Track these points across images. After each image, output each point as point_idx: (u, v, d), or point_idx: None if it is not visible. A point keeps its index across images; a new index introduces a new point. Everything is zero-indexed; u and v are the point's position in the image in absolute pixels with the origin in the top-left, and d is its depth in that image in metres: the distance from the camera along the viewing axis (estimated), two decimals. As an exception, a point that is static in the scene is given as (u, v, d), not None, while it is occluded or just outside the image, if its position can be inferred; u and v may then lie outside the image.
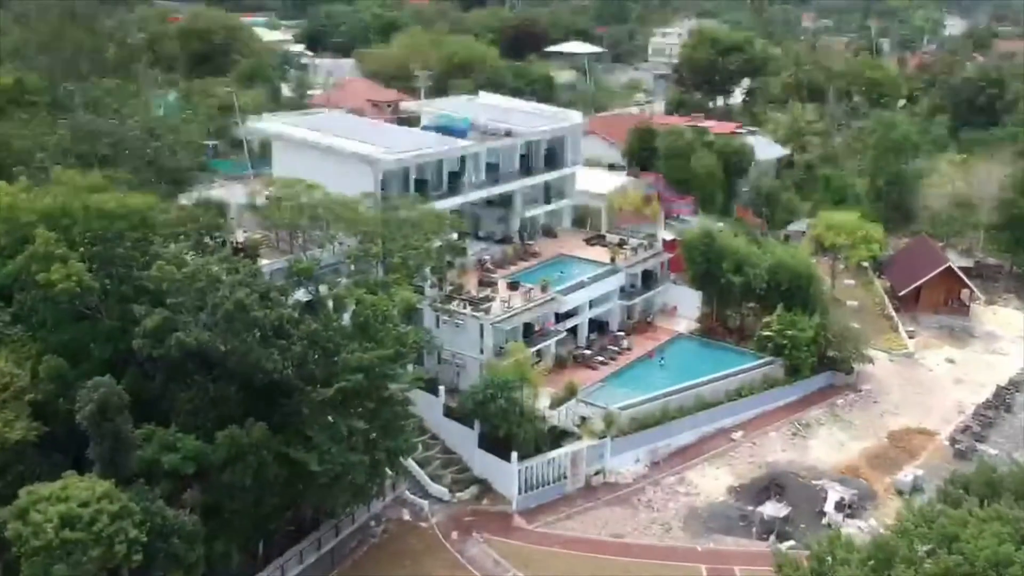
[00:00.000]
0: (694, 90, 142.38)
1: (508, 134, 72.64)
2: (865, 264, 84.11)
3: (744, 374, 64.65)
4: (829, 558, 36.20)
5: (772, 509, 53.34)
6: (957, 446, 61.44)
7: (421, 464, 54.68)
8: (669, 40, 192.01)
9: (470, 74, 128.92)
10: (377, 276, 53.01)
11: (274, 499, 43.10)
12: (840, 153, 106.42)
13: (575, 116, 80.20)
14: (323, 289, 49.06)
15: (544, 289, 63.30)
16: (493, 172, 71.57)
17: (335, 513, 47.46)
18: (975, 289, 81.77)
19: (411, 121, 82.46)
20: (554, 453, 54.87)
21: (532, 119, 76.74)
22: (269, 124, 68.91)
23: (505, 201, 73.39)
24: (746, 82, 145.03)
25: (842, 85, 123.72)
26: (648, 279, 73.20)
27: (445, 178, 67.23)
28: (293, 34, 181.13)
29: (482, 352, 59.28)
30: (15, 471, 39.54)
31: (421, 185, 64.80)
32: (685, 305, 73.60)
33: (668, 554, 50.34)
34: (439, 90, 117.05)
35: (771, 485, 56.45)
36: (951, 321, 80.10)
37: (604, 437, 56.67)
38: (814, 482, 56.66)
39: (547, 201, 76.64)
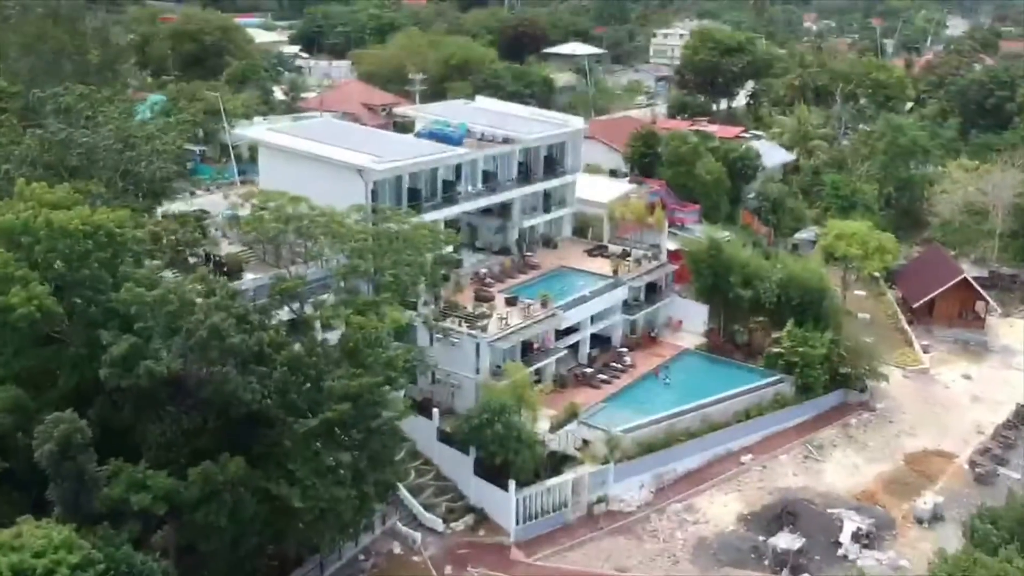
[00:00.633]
0: (696, 92, 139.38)
1: (506, 141, 69.58)
2: (876, 274, 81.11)
3: (753, 393, 61.65)
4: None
5: (785, 541, 50.28)
6: (977, 470, 58.48)
7: (414, 492, 51.69)
8: (670, 41, 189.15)
9: (468, 76, 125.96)
10: (367, 294, 50.01)
11: (254, 538, 40.05)
12: (848, 158, 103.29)
13: (575, 121, 77.11)
14: (309, 308, 46.24)
15: (544, 304, 60.28)
16: (490, 180, 68.50)
17: (321, 549, 44.39)
18: (991, 300, 78.79)
19: (406, 126, 79.61)
20: (554, 480, 51.91)
21: (531, 125, 73.62)
22: (255, 131, 65.85)
23: (503, 210, 70.31)
24: (749, 84, 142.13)
25: (848, 87, 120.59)
26: (652, 292, 70.18)
27: (440, 187, 64.16)
28: (288, 35, 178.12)
29: (478, 372, 56.30)
30: (-32, 513, 36.53)
31: (414, 195, 61.77)
32: (690, 319, 70.60)
33: (676, 589, 47.50)
34: (436, 93, 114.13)
35: (783, 513, 53.42)
36: (966, 334, 77.08)
37: (607, 463, 53.69)
38: (829, 510, 53.64)
39: (546, 210, 73.56)
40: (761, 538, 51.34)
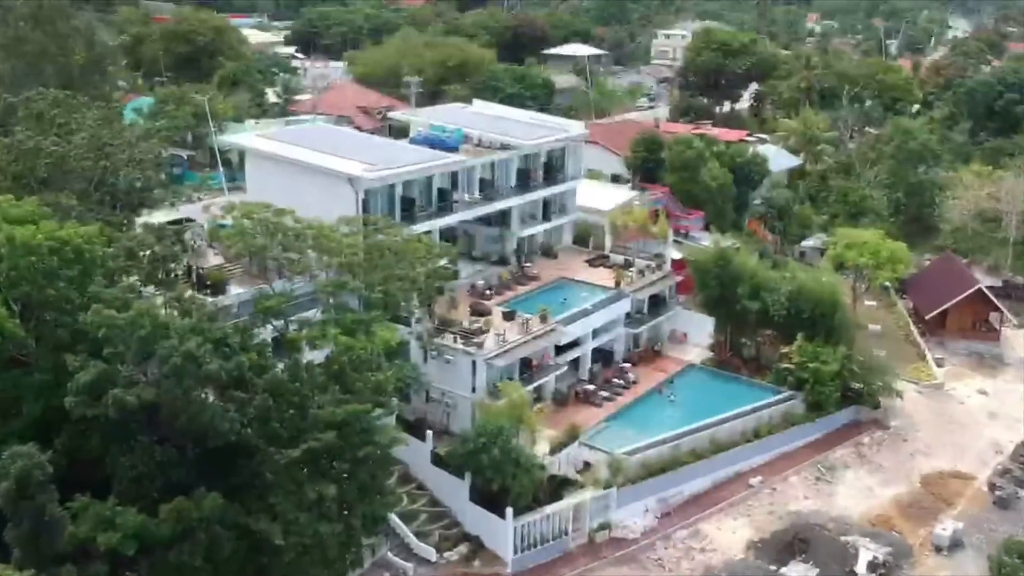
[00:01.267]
0: (699, 94, 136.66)
1: (504, 147, 66.83)
2: (887, 284, 78.44)
3: (762, 411, 59.00)
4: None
5: (798, 572, 47.70)
6: (997, 492, 55.90)
7: (406, 519, 48.91)
8: (672, 42, 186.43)
9: (466, 78, 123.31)
10: (358, 308, 47.35)
11: (232, 577, 37.43)
12: (855, 162, 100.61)
13: (576, 126, 74.31)
14: (295, 327, 43.64)
15: (543, 319, 57.59)
16: (487, 188, 65.75)
17: (306, 585, 41.67)
18: (1006, 311, 76.11)
19: (404, 129, 76.87)
20: (554, 507, 49.21)
21: (530, 130, 70.86)
22: (241, 137, 63.16)
23: (501, 219, 67.51)
24: (753, 86, 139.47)
25: (855, 89, 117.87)
26: (656, 304, 67.47)
27: (435, 196, 61.46)
28: (284, 36, 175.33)
29: (474, 390, 53.60)
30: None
31: (408, 204, 59.10)
32: (695, 331, 67.95)
33: (683, 625, 44.92)
34: (433, 95, 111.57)
35: (795, 540, 50.89)
36: (980, 347, 74.41)
37: (610, 487, 51.01)
38: (843, 537, 51.08)
39: (546, 218, 70.76)
40: (772, 567, 48.79)
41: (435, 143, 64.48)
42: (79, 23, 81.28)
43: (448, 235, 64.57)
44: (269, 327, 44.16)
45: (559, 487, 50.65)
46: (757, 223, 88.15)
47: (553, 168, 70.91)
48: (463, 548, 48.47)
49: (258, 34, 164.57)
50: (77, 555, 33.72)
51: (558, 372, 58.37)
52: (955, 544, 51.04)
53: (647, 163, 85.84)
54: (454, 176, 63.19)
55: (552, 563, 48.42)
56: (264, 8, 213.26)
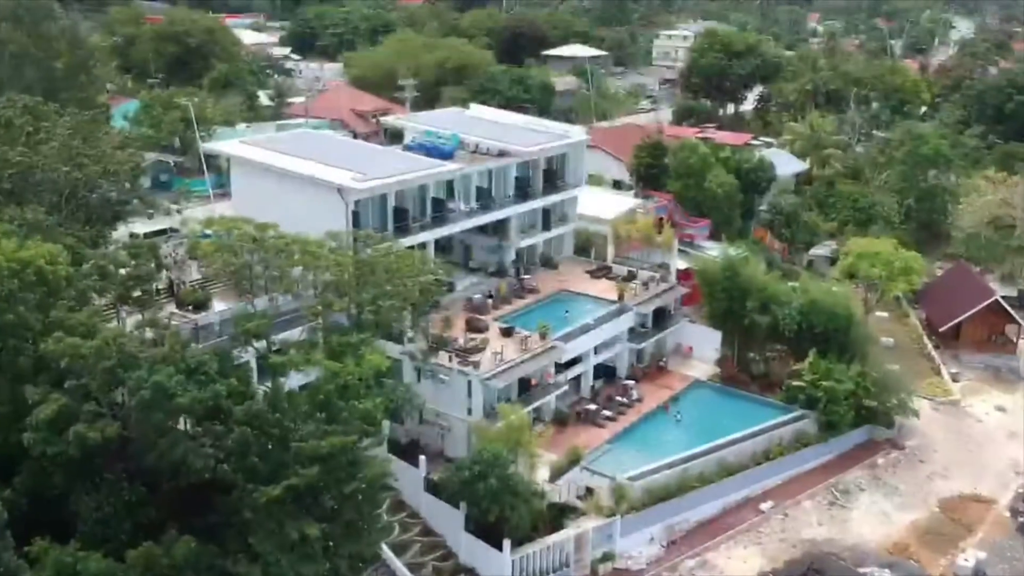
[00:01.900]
0: (703, 97, 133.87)
1: (502, 153, 64.06)
2: (899, 295, 75.69)
3: (773, 431, 56.27)
4: None
5: (814, 607, 45.02)
6: (1020, 518, 53.20)
7: (397, 550, 46.18)
8: (674, 43, 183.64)
9: (463, 80, 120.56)
10: (347, 327, 44.61)
11: (207, 624, 34.68)
12: (864, 167, 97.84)
13: (577, 132, 71.45)
14: (277, 346, 40.85)
15: (543, 336, 54.85)
16: (485, 197, 62.98)
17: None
18: (1023, 323, 73.35)
19: (401, 133, 74.10)
20: (555, 537, 46.46)
21: (529, 135, 68.01)
22: (226, 145, 60.34)
23: (499, 229, 64.76)
24: (757, 88, 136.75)
25: (862, 91, 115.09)
26: (660, 317, 64.74)
27: (429, 206, 58.72)
28: (279, 36, 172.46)
29: (470, 412, 50.91)
30: None
31: (401, 215, 56.38)
32: (701, 345, 65.13)
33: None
34: (430, 98, 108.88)
35: (809, 572, 48.15)
36: (996, 360, 71.64)
37: (613, 514, 48.26)
38: (860, 569, 48.35)
39: (546, 228, 67.96)
40: (786, 602, 46.12)
41: (430, 150, 61.75)
42: (64, 23, 77.99)
43: (443, 246, 61.98)
44: (251, 349, 41.34)
45: (560, 515, 47.98)
46: (763, 231, 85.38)
47: (553, 175, 68.19)
48: (458, 582, 45.82)
49: (253, 35, 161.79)
50: (36, 606, 31.03)
51: (559, 392, 55.67)
52: (978, 575, 48.36)
53: (651, 169, 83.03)
54: (450, 185, 60.52)
55: (552, 598, 45.79)
56: (260, 8, 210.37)
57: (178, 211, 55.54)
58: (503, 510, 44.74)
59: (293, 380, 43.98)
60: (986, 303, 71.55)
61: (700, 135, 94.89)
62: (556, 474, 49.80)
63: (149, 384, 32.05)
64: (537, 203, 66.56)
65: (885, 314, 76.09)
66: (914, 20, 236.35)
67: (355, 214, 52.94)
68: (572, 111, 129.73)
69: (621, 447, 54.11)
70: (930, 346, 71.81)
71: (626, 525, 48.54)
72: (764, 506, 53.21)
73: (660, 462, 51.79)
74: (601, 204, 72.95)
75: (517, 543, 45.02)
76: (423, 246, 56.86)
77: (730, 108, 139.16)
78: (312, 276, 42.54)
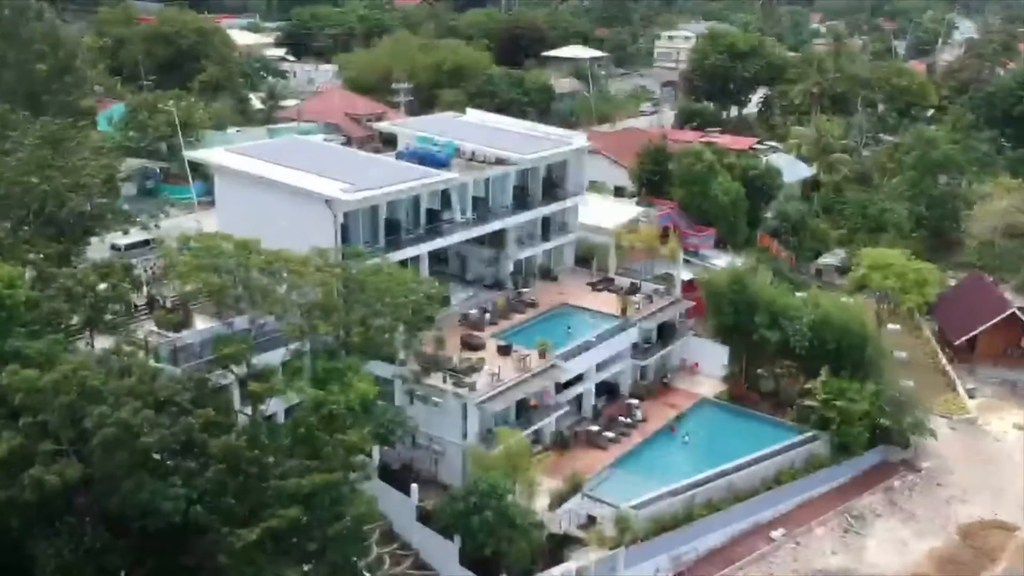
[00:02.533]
0: (706, 99, 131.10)
1: (499, 161, 61.34)
2: (911, 306, 72.90)
3: (783, 454, 53.62)
4: None
5: (831, 647, 42.37)
6: (1044, 547, 50.57)
7: (388, 585, 43.66)
8: (676, 43, 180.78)
9: (461, 83, 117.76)
10: (333, 346, 41.95)
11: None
12: (874, 172, 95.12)
13: (578, 138, 68.63)
14: (262, 362, 38.22)
15: (543, 354, 52.17)
16: (481, 207, 60.28)
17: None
18: (1040, 336, 70.70)
19: (392, 139, 71.39)
20: (555, 571, 43.80)
21: (527, 142, 65.21)
22: (210, 152, 57.66)
23: (496, 240, 62.01)
24: (761, 91, 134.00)
25: (870, 94, 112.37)
26: (665, 331, 62.07)
27: (423, 217, 56.04)
28: (274, 37, 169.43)
29: (465, 436, 48.25)
30: None
31: (393, 227, 53.73)
32: (708, 361, 62.54)
33: None
34: (426, 101, 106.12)
35: (824, 606, 45.63)
36: (1012, 375, 68.90)
37: (616, 546, 45.57)
38: (878, 603, 45.82)
39: (545, 238, 65.28)
40: (800, 640, 43.49)
41: (424, 158, 58.91)
42: (44, 24, 75.06)
43: (439, 257, 59.35)
44: (231, 375, 38.67)
45: (560, 547, 45.46)
46: (770, 239, 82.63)
47: (553, 183, 65.58)
48: (452, 619, 43.18)
49: (248, 35, 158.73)
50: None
51: (559, 413, 53.01)
52: (1002, 610, 45.83)
53: (654, 175, 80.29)
54: (445, 195, 57.81)
55: (553, 635, 43.13)
56: (255, 8, 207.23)
57: (156, 225, 52.50)
58: (500, 543, 42.23)
59: (277, 404, 41.51)
60: (1003, 315, 68.73)
61: (704, 139, 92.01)
62: (556, 502, 47.28)
63: (112, 421, 29.38)
64: (536, 212, 63.93)
65: (897, 327, 73.27)
66: (916, 20, 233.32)
67: (344, 227, 50.32)
68: (572, 114, 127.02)
69: (624, 471, 51.56)
70: (944, 360, 69.12)
71: (630, 556, 45.88)
72: (775, 534, 50.63)
73: (665, 488, 49.17)
74: (603, 213, 70.07)
75: (515, 578, 42.49)
76: (416, 260, 54.19)
77: (733, 111, 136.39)
78: (296, 296, 39.77)
